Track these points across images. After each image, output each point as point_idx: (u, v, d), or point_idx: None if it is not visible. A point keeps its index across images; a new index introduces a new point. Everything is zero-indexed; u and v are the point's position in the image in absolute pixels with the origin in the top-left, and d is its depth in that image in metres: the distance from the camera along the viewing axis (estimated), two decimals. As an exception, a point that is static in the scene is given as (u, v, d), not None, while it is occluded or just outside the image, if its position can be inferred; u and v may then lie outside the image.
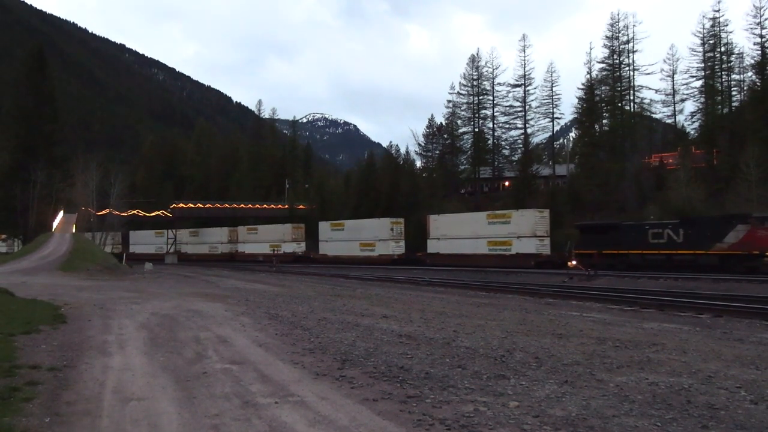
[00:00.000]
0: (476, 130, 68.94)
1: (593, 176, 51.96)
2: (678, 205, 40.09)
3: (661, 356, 8.11)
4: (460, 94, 70.30)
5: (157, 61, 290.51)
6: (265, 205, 72.19)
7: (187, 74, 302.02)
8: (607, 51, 59.98)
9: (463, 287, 24.95)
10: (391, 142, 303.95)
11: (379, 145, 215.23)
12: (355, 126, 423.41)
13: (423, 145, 73.69)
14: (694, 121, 59.06)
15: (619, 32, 59.39)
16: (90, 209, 57.50)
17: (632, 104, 60.82)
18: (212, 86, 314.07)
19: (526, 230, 38.36)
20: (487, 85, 68.19)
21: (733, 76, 54.25)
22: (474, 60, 69.39)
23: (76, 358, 7.66)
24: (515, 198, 55.42)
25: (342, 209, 63.32)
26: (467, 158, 71.12)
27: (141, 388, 6.13)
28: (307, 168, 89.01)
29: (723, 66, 54.18)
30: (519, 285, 25.19)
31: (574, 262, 30.87)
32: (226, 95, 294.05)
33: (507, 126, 68.04)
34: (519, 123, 66.82)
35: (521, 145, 66.03)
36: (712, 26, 53.94)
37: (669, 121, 62.17)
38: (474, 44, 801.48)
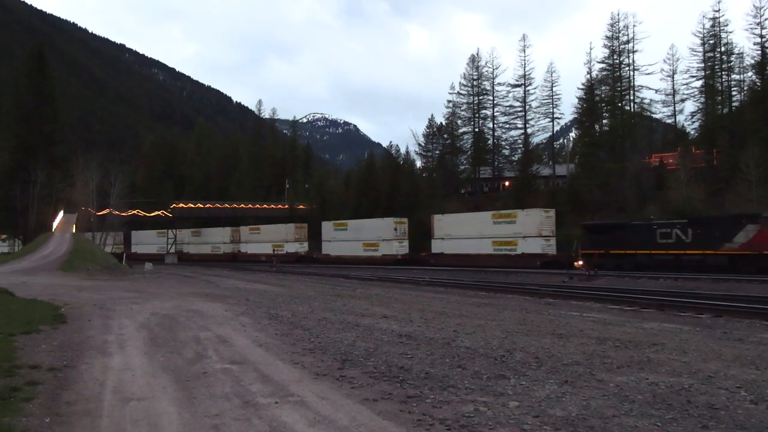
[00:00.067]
0: (476, 130, 68.95)
1: (593, 176, 51.96)
2: (678, 205, 40.09)
3: (661, 356, 8.11)
4: (460, 94, 70.41)
5: (157, 61, 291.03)
6: (265, 205, 72.15)
7: (187, 74, 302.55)
8: (607, 51, 60.04)
9: (463, 287, 24.95)
10: (391, 142, 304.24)
11: (379, 145, 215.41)
12: (355, 126, 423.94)
13: (423, 145, 73.80)
14: (694, 121, 59.20)
15: (619, 32, 59.44)
16: (90, 209, 57.47)
17: (632, 104, 60.83)
18: (212, 86, 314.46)
19: (531, 230, 38.04)
20: (487, 85, 68.28)
21: (733, 76, 54.35)
22: (474, 60, 69.47)
23: (76, 358, 7.66)
24: (515, 198, 55.44)
25: (342, 209, 63.26)
26: (467, 158, 71.13)
27: (141, 388, 6.13)
28: (307, 168, 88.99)
29: (723, 66, 54.18)
30: (519, 285, 25.19)
31: (580, 262, 30.66)
32: (226, 95, 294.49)
33: (507, 126, 68.13)
34: (519, 123, 66.90)
35: (521, 145, 66.07)
36: (712, 26, 54.01)
37: (669, 121, 62.27)
38: (474, 44, 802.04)
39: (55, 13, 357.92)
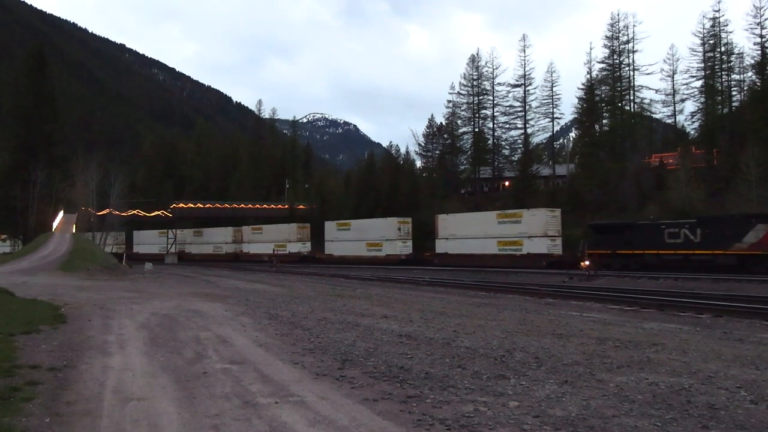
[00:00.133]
0: (476, 130, 68.94)
1: (593, 176, 51.96)
2: (678, 205, 40.10)
3: (661, 356, 8.11)
4: (460, 94, 70.39)
5: (157, 61, 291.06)
6: (265, 205, 72.14)
7: (187, 74, 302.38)
8: (607, 51, 60.09)
9: (463, 287, 24.96)
10: (391, 142, 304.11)
11: (379, 145, 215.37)
12: (355, 126, 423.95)
13: (423, 145, 73.80)
14: (694, 121, 59.18)
15: (619, 32, 59.49)
16: (90, 209, 57.46)
17: (632, 104, 60.87)
18: (212, 86, 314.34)
19: (537, 230, 37.70)
20: (487, 85, 68.26)
21: (733, 76, 54.33)
22: (474, 60, 69.44)
23: (76, 358, 7.66)
24: (515, 198, 55.45)
25: (342, 209, 63.22)
26: (467, 158, 71.13)
27: (141, 388, 6.13)
28: (307, 168, 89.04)
29: (723, 66, 54.19)
30: (519, 285, 25.20)
31: (587, 263, 30.54)
32: (226, 95, 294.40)
33: (507, 126, 68.10)
34: (519, 123, 66.87)
35: (521, 145, 66.02)
36: (712, 26, 54.01)
37: (669, 121, 62.27)
38: (474, 44, 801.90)
39: (55, 13, 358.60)
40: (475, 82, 68.75)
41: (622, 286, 24.49)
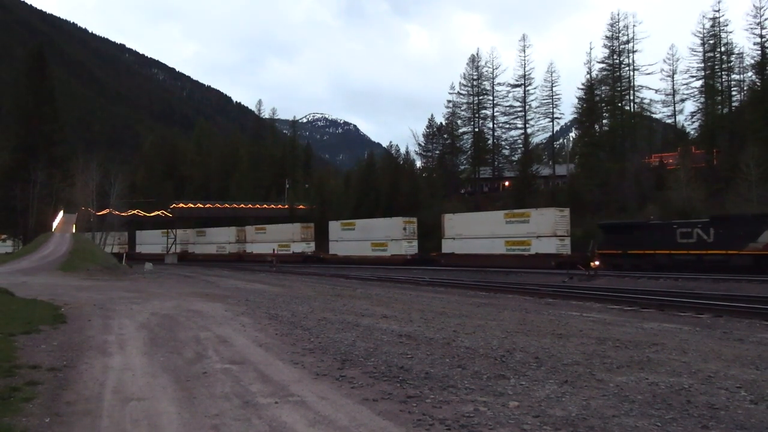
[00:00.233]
0: (476, 130, 68.97)
1: (593, 176, 51.98)
2: (678, 205, 40.11)
3: (661, 356, 8.11)
4: (460, 94, 70.43)
5: (157, 61, 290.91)
6: (265, 205, 72.16)
7: (187, 74, 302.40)
8: (607, 51, 60.10)
9: (463, 287, 24.95)
10: (391, 142, 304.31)
11: (379, 145, 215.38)
12: (355, 126, 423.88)
13: (423, 145, 73.87)
14: (694, 121, 59.24)
15: (619, 32, 59.49)
16: (90, 209, 57.48)
17: (632, 104, 60.86)
18: (212, 86, 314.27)
19: (545, 230, 37.29)
20: (487, 85, 68.30)
21: (733, 76, 54.38)
22: (474, 60, 69.49)
23: (76, 358, 7.66)
24: (515, 198, 55.48)
25: (342, 209, 63.21)
26: (467, 158, 71.16)
27: (141, 388, 6.13)
28: (307, 168, 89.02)
29: (723, 66, 54.20)
30: (519, 285, 25.19)
31: (597, 263, 30.32)
32: (226, 95, 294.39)
33: (507, 126, 68.14)
34: (519, 123, 66.92)
35: (521, 145, 66.08)
36: (712, 26, 54.03)
37: (669, 121, 62.29)
38: (474, 44, 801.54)
39: (55, 13, 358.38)
40: (475, 82, 68.84)
41: (622, 286, 24.48)
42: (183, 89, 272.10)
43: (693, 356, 8.16)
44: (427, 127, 73.53)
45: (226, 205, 71.25)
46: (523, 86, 65.48)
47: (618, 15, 60.59)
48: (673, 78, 58.41)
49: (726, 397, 5.86)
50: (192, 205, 70.34)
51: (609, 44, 59.71)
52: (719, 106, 54.10)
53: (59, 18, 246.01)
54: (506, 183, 67.10)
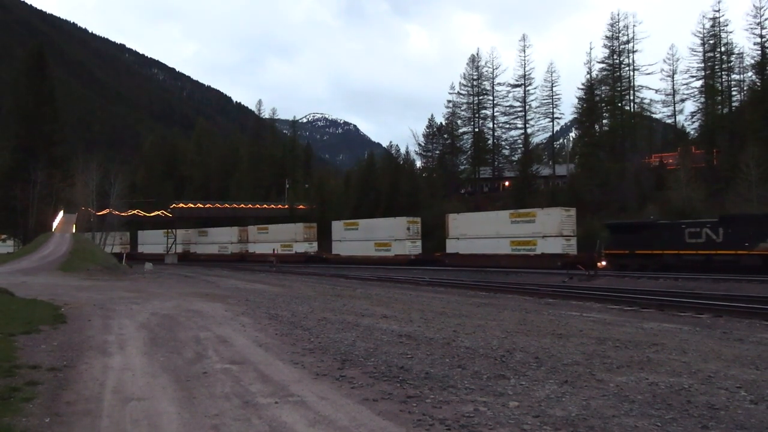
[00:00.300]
0: (476, 130, 68.96)
1: (593, 176, 51.98)
2: (678, 205, 40.10)
3: (661, 356, 8.11)
4: (460, 94, 70.42)
5: (157, 61, 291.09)
6: (265, 205, 72.14)
7: (187, 74, 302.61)
8: (607, 51, 60.09)
9: (463, 287, 24.96)
10: (391, 142, 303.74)
11: (379, 145, 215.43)
12: (355, 126, 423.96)
13: (423, 145, 73.84)
14: (694, 121, 59.19)
15: (619, 32, 59.50)
16: (90, 209, 57.47)
17: (632, 104, 60.87)
18: (212, 86, 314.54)
19: (551, 229, 36.98)
20: (487, 85, 68.29)
21: (733, 76, 54.30)
22: (474, 60, 69.48)
23: (76, 358, 7.66)
24: (515, 198, 55.49)
25: (342, 209, 63.19)
26: (467, 158, 71.13)
27: (141, 388, 6.13)
28: (307, 168, 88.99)
29: (723, 66, 54.17)
30: (519, 285, 25.20)
31: (604, 263, 30.02)
32: (226, 95, 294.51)
33: (507, 126, 68.13)
34: (519, 123, 66.90)
35: (521, 145, 66.08)
36: (712, 26, 54.00)
37: (669, 121, 62.28)
38: (474, 44, 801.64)
39: (55, 13, 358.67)
40: (475, 82, 68.84)
41: (622, 286, 24.48)
42: (183, 89, 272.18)
43: (693, 356, 8.16)
44: (427, 127, 73.61)
45: (226, 205, 71.22)
46: (523, 86, 65.55)
47: (618, 15, 60.69)
48: (673, 78, 58.50)
49: (726, 397, 5.86)
50: (192, 205, 70.32)
51: (609, 44, 59.79)
52: (719, 106, 54.07)
53: (59, 18, 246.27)
54: (506, 183, 67.11)
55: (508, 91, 67.05)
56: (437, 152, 73.07)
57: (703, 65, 54.92)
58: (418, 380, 6.50)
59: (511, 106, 67.22)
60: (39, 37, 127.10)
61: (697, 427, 4.94)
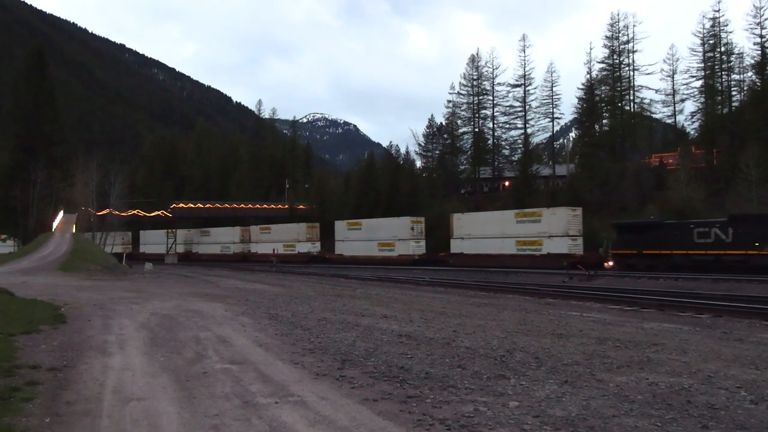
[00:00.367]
0: (476, 130, 68.97)
1: (593, 176, 51.97)
2: (678, 205, 40.08)
3: (661, 356, 8.11)
4: (460, 94, 70.41)
5: (157, 61, 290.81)
6: (265, 205, 72.12)
7: (187, 74, 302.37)
8: (607, 51, 60.06)
9: (463, 287, 24.96)
10: (391, 142, 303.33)
11: (379, 145, 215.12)
12: (355, 126, 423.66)
13: (423, 145, 73.80)
14: (694, 121, 59.16)
15: (619, 32, 59.47)
16: (90, 209, 57.47)
17: (632, 104, 60.85)
18: (212, 86, 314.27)
19: (557, 229, 36.59)
20: (487, 85, 68.28)
21: (733, 76, 54.30)
22: (474, 60, 69.47)
23: (76, 358, 7.66)
24: (515, 198, 55.47)
25: (342, 209, 63.17)
26: (467, 158, 71.13)
27: (141, 388, 6.13)
28: (307, 168, 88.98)
29: (723, 66, 54.18)
30: (519, 285, 25.21)
31: (611, 263, 29.81)
32: (226, 95, 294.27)
33: (507, 126, 68.11)
34: (519, 123, 66.87)
35: (521, 145, 66.03)
36: (712, 26, 53.98)
37: (669, 121, 62.25)
38: (474, 44, 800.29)
39: (55, 13, 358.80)
40: (475, 82, 68.83)
41: (622, 286, 24.48)
42: (183, 89, 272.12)
43: (693, 356, 8.16)
44: (427, 127, 73.56)
45: (226, 205, 71.19)
46: (523, 86, 65.52)
47: (618, 15, 60.65)
48: (673, 78, 58.46)
49: (726, 397, 5.86)
50: (192, 205, 70.28)
51: (609, 44, 59.77)
52: (719, 106, 54.07)
53: (59, 18, 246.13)
54: (506, 183, 67.09)
55: (508, 91, 67.14)
56: (437, 152, 73.10)
57: (703, 65, 54.93)
58: (418, 380, 6.50)
59: (511, 106, 67.30)
60: (39, 37, 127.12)
61: (697, 427, 4.94)
